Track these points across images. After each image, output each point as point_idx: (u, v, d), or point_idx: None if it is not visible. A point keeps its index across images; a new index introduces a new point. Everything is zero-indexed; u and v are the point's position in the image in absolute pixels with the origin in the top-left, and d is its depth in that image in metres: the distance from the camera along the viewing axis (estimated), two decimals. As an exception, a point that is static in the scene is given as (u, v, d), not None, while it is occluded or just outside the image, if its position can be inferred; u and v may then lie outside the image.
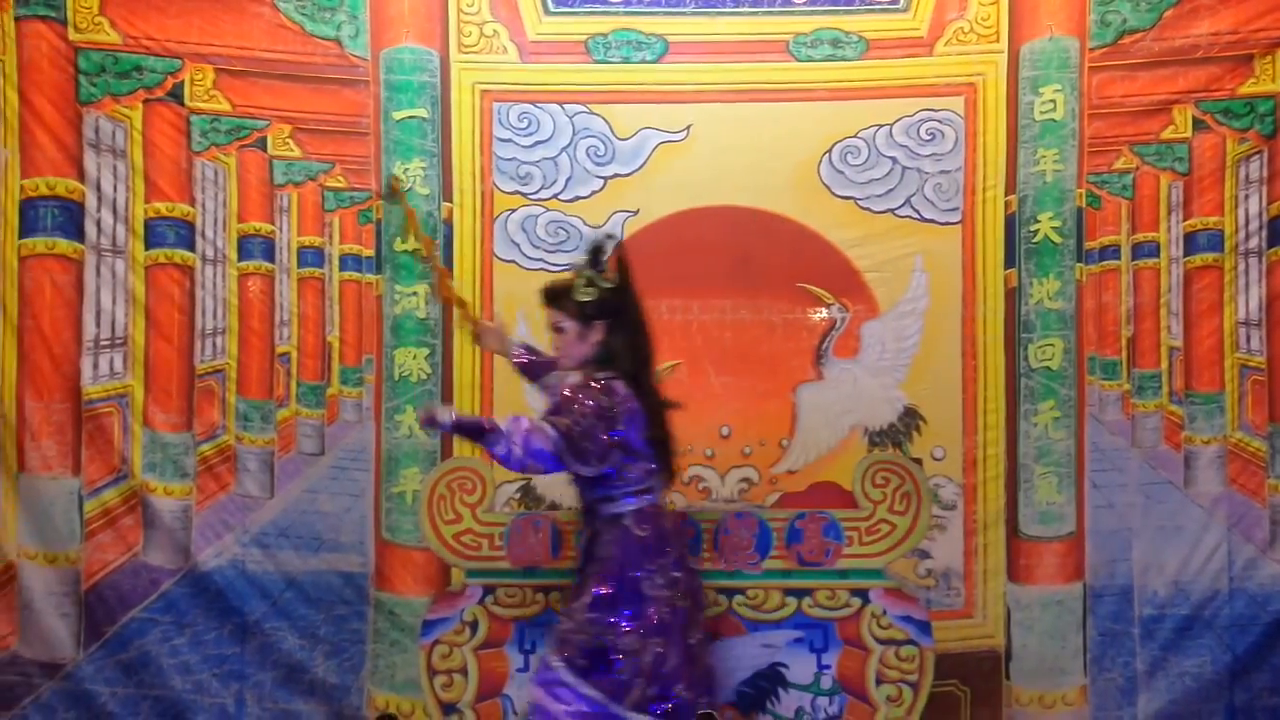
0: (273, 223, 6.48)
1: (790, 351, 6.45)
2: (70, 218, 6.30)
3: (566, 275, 4.90)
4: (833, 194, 6.40)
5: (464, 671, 6.24)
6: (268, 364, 6.46)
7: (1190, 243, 6.30)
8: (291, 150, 6.43)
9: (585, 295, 4.66)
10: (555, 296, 4.78)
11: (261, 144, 6.43)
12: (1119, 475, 6.31)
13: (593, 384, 4.71)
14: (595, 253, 4.71)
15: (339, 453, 6.45)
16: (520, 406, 6.40)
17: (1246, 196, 6.27)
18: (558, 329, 4.74)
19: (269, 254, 6.47)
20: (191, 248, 6.40)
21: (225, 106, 6.39)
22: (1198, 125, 6.27)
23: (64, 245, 6.29)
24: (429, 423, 4.82)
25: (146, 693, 6.33)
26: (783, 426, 6.43)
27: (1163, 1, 6.25)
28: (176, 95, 6.38)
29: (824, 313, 6.42)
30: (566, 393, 4.75)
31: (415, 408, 6.38)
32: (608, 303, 4.73)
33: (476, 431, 4.77)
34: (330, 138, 6.44)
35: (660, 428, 4.85)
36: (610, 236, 4.73)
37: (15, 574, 6.28)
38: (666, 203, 6.45)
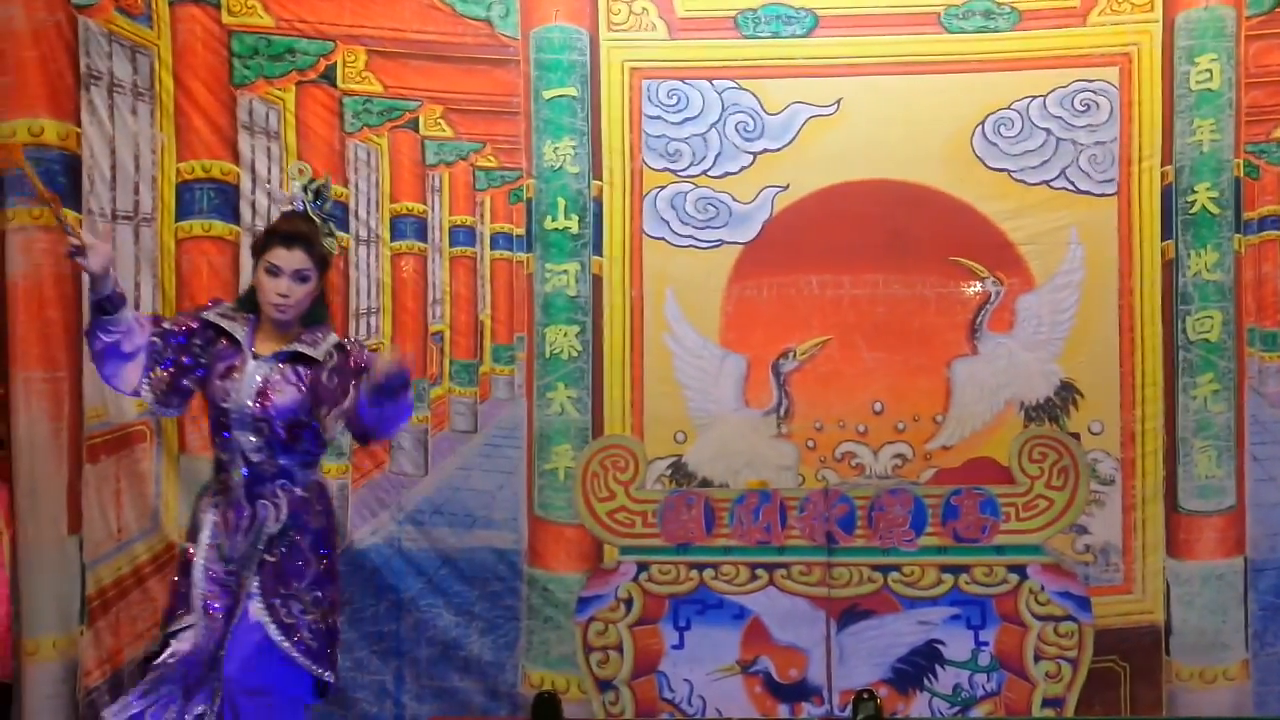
0: (425, 202, 6.67)
1: (944, 326, 6.55)
2: (225, 200, 6.52)
3: (300, 217, 4.41)
4: (986, 166, 6.50)
5: (619, 648, 6.43)
6: (421, 342, 6.66)
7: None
8: (443, 130, 6.62)
9: (330, 247, 4.37)
10: (306, 239, 4.30)
11: (413, 124, 6.62)
12: (1279, 448, 6.36)
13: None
14: (318, 195, 4.40)
15: (491, 430, 6.64)
16: (671, 385, 6.58)
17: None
18: (303, 278, 4.27)
19: (421, 234, 6.66)
20: (345, 228, 6.60)
21: (377, 88, 6.59)
22: (1361, 95, 6.29)
23: (220, 227, 6.51)
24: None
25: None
26: (937, 402, 6.54)
27: (1324, -31, 6.26)
28: (329, 77, 6.58)
29: (978, 286, 6.52)
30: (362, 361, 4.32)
31: (566, 385, 6.55)
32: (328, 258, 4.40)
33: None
34: (481, 118, 6.63)
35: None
36: (325, 178, 4.49)
37: (176, 555, 6.48)
38: (817, 177, 6.58)
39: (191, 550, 4.32)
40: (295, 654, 4.19)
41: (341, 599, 4.55)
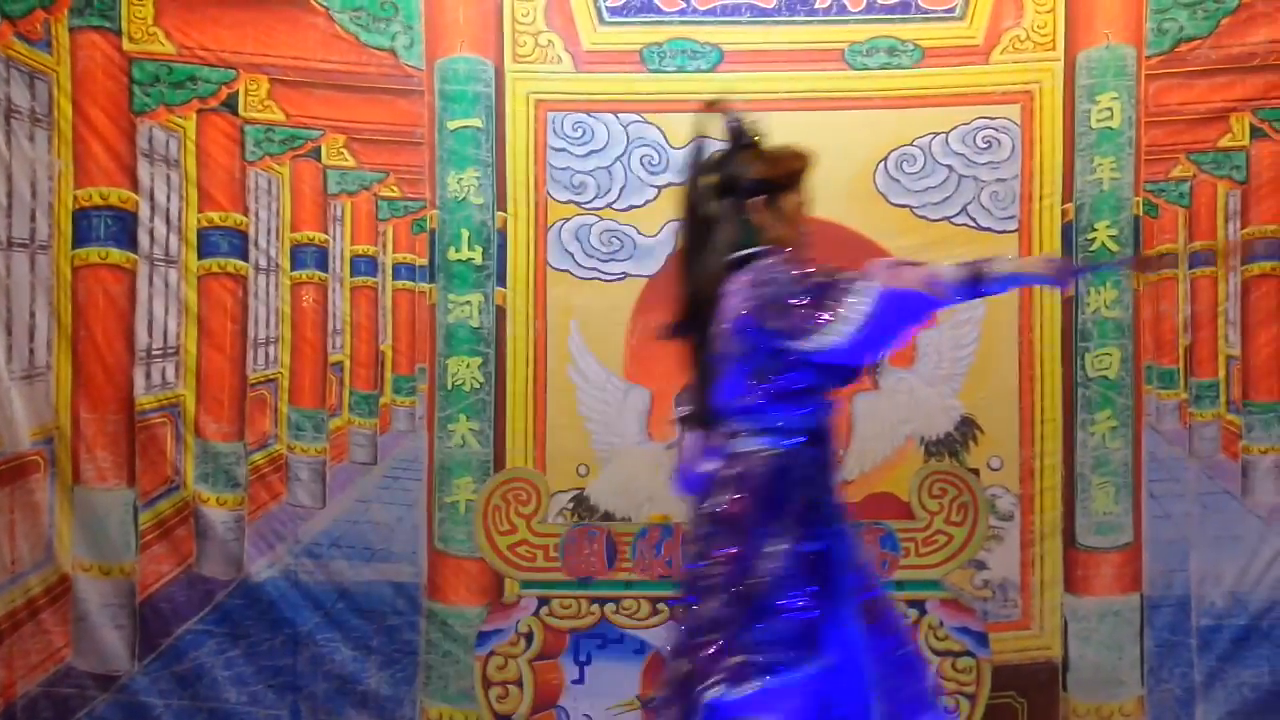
0: (326, 232, 6.81)
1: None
2: (123, 227, 6.64)
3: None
4: (889, 202, 6.71)
5: (519, 683, 6.57)
6: (320, 373, 6.78)
7: (1248, 251, 6.57)
8: (345, 160, 6.77)
9: None
10: None
11: (315, 154, 6.77)
12: (1176, 485, 6.61)
13: None
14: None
15: (391, 462, 6.77)
16: (574, 417, 6.74)
17: (1306, 204, 6.56)
18: None
19: (322, 263, 6.80)
20: (244, 257, 6.73)
21: (279, 116, 6.73)
22: (1255, 133, 6.57)
23: (117, 255, 6.63)
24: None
25: (201, 705, 6.65)
26: (838, 436, 6.69)
27: (1220, 9, 6.55)
28: (231, 105, 6.72)
29: (880, 322, 6.68)
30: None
31: (468, 417, 6.68)
32: None
33: None
34: (384, 148, 6.77)
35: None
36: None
37: (71, 586, 6.59)
38: (721, 212, 6.71)
39: None
40: None
41: None
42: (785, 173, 4.04)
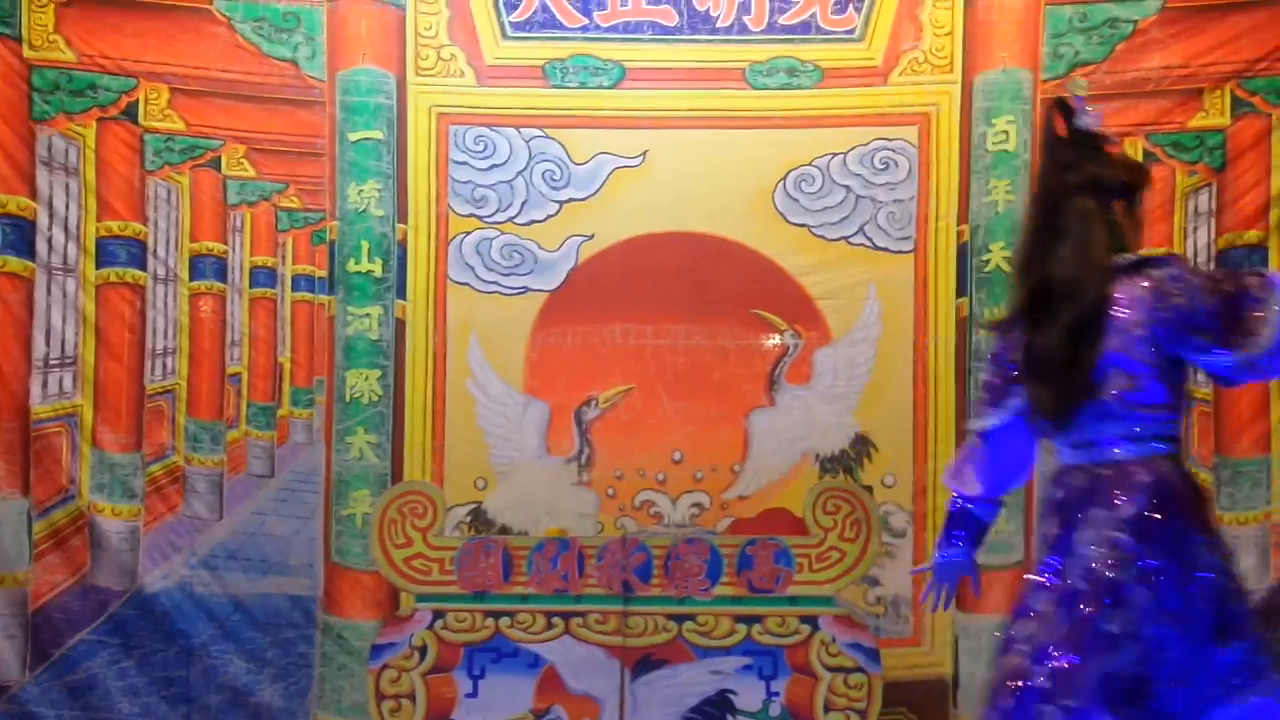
0: (225, 242, 6.90)
1: (743, 377, 6.89)
2: (21, 235, 6.70)
3: None
4: (787, 221, 6.86)
5: (412, 696, 6.68)
6: (218, 384, 6.87)
7: (1140, 274, 6.74)
8: (246, 170, 6.86)
9: None
10: None
11: (215, 164, 6.87)
12: (1067, 505, 6.74)
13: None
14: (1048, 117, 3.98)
15: (288, 475, 6.87)
16: (473, 431, 6.85)
17: (1195, 228, 6.77)
18: None
19: (221, 274, 6.89)
20: (143, 267, 6.81)
21: (180, 126, 6.82)
22: (1148, 158, 6.76)
23: (14, 263, 6.69)
24: None
25: (93, 716, 6.72)
26: (735, 452, 6.87)
27: (1115, 35, 6.72)
28: (131, 114, 6.80)
29: (777, 339, 6.87)
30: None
31: (366, 430, 6.78)
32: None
33: None
34: (285, 158, 6.87)
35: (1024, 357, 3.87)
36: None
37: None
38: (622, 228, 6.92)
39: None
40: None
41: None
42: (1144, 179, 4.04)
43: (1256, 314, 3.60)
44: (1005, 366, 3.88)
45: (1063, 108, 3.90)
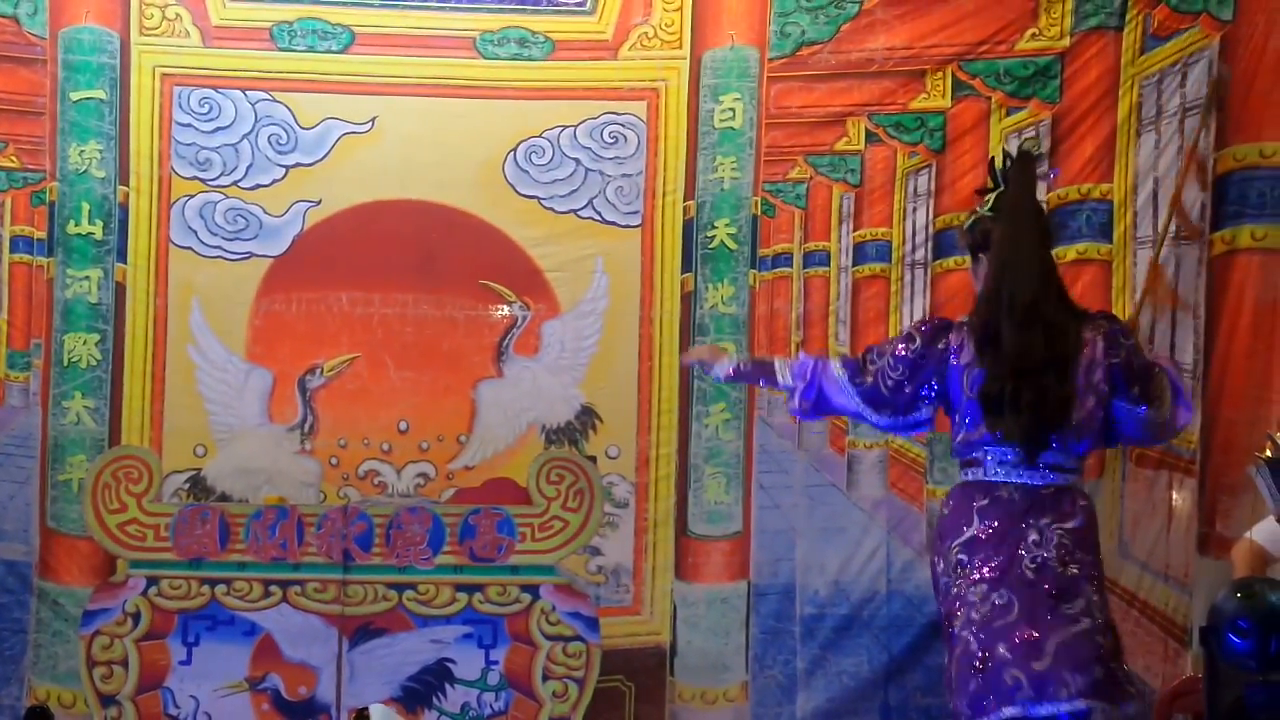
0: (-58, 202, 6.91)
1: (471, 348, 7.09)
2: None
3: None
4: (517, 193, 7.07)
5: (124, 663, 6.78)
6: (-69, 347, 6.89)
7: (859, 252, 7.09)
8: (-38, 129, 6.87)
9: (966, 221, 4.25)
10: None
11: (-68, 121, 6.86)
12: (785, 477, 7.08)
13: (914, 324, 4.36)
14: (1019, 162, 4.22)
15: (4, 438, 6.98)
16: (193, 397, 6.97)
17: (915, 209, 7.08)
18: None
19: (-63, 234, 6.90)
20: None
21: (-109, 82, 6.81)
22: (870, 138, 7.05)
23: None
24: (700, 366, 4.60)
25: None
26: (462, 422, 7.07)
27: (841, 15, 7.01)
28: None
29: (506, 310, 7.08)
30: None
31: (84, 394, 6.85)
32: (984, 233, 4.18)
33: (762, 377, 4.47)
34: (4, 116, 6.99)
35: (1003, 385, 4.10)
36: (1010, 151, 4.19)
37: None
38: (350, 194, 7.08)
39: None
40: None
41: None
42: None
43: (1162, 384, 4.21)
44: (923, 374, 4.24)
45: (1031, 158, 4.26)
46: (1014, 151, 4.36)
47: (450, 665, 6.95)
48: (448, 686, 6.95)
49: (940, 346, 4.21)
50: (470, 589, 6.97)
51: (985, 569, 4.15)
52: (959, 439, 4.25)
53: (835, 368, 4.33)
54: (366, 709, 6.60)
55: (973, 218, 4.30)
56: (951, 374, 4.18)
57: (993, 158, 4.19)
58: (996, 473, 4.18)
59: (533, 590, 6.95)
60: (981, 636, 4.09)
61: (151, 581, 6.84)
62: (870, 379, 4.26)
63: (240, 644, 6.86)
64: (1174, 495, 6.63)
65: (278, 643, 6.88)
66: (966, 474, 4.25)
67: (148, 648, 6.82)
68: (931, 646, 7.03)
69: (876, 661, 7.05)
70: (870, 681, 7.05)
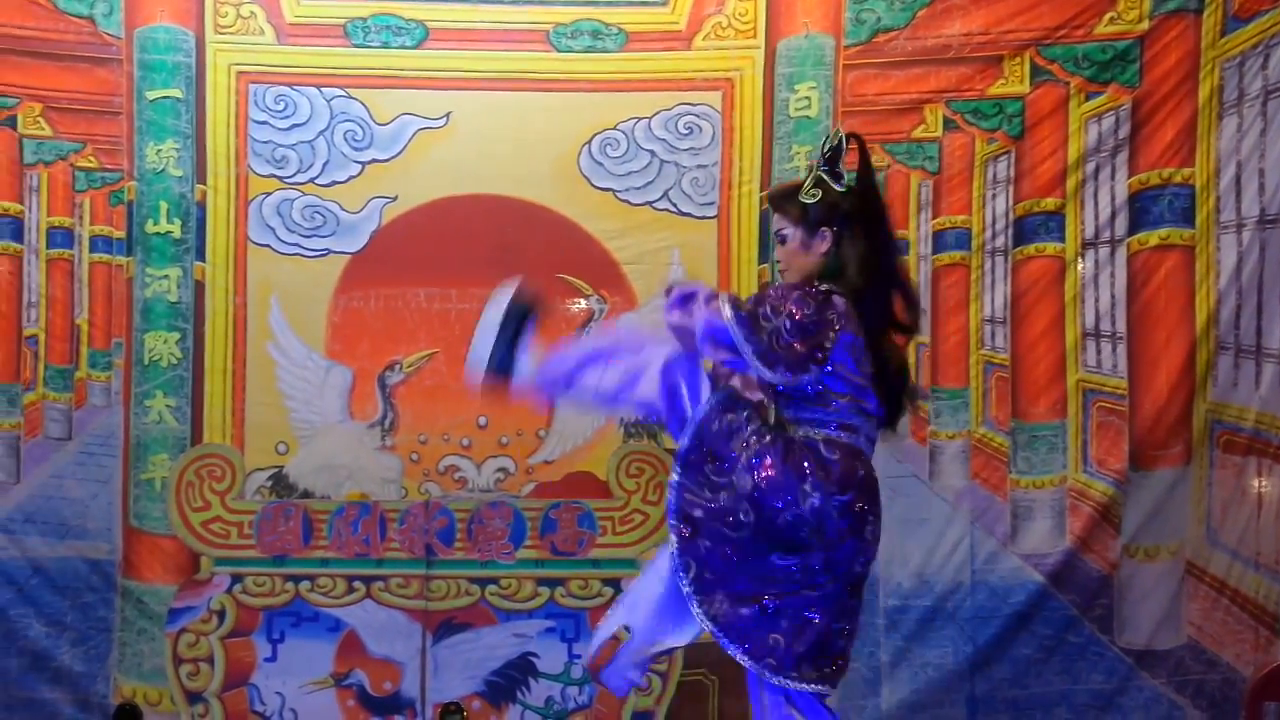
0: (22, 203, 7.16)
1: (548, 342, 7.16)
2: None
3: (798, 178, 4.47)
4: (592, 185, 7.22)
5: (210, 660, 7.00)
6: (14, 347, 7.15)
7: (939, 240, 7.21)
8: (42, 129, 7.13)
9: (810, 197, 4.18)
10: (780, 199, 4.26)
11: (11, 122, 7.13)
12: (865, 468, 7.15)
13: (807, 288, 4.13)
14: (833, 150, 4.21)
15: (86, 438, 7.17)
16: (274, 395, 7.17)
17: (994, 196, 7.20)
18: (780, 237, 4.17)
19: (17, 235, 7.16)
20: (-63, 229, 7.03)
21: (-28, 84, 7.02)
22: (948, 125, 7.17)
23: None
24: None
25: (-106, 679, 6.98)
26: (540, 417, 7.24)
27: (916, 1, 7.17)
28: (-79, 72, 7.01)
29: (582, 303, 7.24)
30: (771, 291, 4.13)
31: (165, 393, 7.05)
32: (837, 207, 4.16)
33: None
34: (82, 117, 7.16)
35: (886, 363, 4.14)
36: (852, 134, 4.10)
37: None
38: (426, 189, 7.25)
39: None
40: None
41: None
42: None
43: None
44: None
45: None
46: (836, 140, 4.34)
47: (533, 659, 7.14)
48: (531, 680, 7.14)
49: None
50: (552, 583, 7.16)
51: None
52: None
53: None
54: (454, 704, 6.82)
55: (820, 189, 4.36)
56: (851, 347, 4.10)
57: (835, 137, 4.18)
58: (868, 447, 4.07)
59: (614, 584, 7.12)
60: None
61: (236, 579, 7.06)
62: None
63: (325, 640, 7.08)
64: (1263, 481, 6.73)
65: (362, 638, 7.10)
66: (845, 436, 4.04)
67: (233, 645, 7.05)
68: (1017, 637, 7.18)
69: (961, 653, 7.17)
70: (955, 673, 7.17)
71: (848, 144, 4.08)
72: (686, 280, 4.18)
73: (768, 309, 4.03)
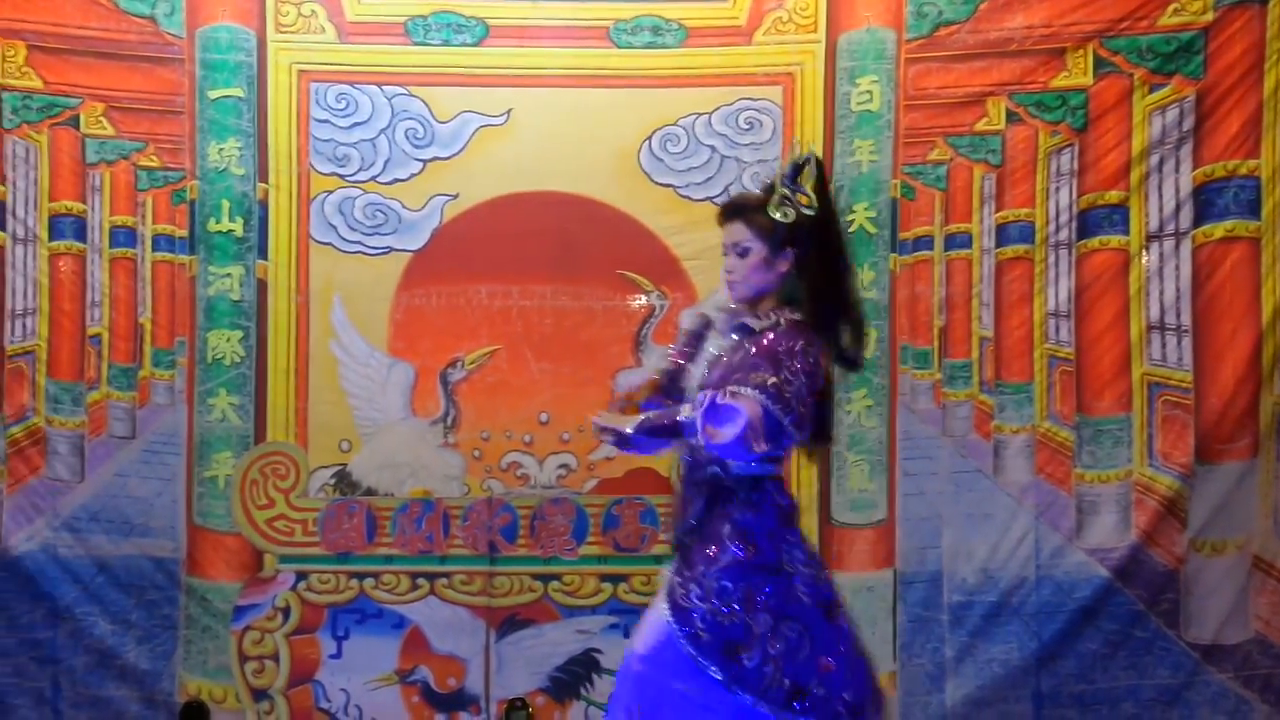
0: (85, 202, 7.24)
1: (610, 338, 7.29)
2: (-125, 194, 7.00)
3: (754, 192, 4.29)
4: (653, 181, 7.26)
5: (275, 658, 7.08)
6: (78, 345, 7.22)
7: (1002, 234, 7.23)
8: (105, 128, 7.21)
9: (783, 215, 4.14)
10: (742, 211, 4.18)
11: (74, 122, 7.21)
12: (929, 463, 7.23)
13: (804, 339, 4.02)
14: (796, 169, 4.14)
15: (150, 436, 7.25)
16: (337, 392, 7.23)
17: (1057, 189, 7.22)
18: (740, 250, 4.08)
19: (80, 234, 7.23)
20: (2, 227, 7.09)
21: (37, 83, 7.15)
22: (1011, 117, 7.19)
23: None
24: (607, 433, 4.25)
25: (-39, 678, 7.07)
26: (601, 413, 7.21)
27: (978, -6, 7.11)
28: (-13, 73, 7.10)
29: (644, 300, 7.27)
30: (768, 342, 3.97)
31: (228, 391, 7.12)
32: (802, 229, 4.12)
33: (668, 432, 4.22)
34: (144, 116, 7.24)
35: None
36: (812, 154, 4.05)
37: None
38: (487, 187, 7.30)
39: None
40: (680, 638, 3.93)
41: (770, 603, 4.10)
42: None
43: None
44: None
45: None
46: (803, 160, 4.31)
47: (597, 655, 7.19)
48: (595, 676, 7.19)
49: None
50: (615, 579, 7.21)
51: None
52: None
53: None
54: (519, 699, 6.87)
55: (790, 208, 4.29)
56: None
57: (804, 157, 4.14)
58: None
59: (677, 580, 7.14)
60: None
61: (300, 576, 7.13)
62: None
63: (389, 637, 7.15)
64: (1333, 475, 6.73)
65: (426, 635, 7.16)
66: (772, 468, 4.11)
67: (298, 642, 7.12)
68: (1083, 633, 7.19)
69: (1027, 649, 7.19)
70: (1021, 669, 7.19)
71: (814, 165, 4.00)
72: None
73: (786, 374, 3.93)
